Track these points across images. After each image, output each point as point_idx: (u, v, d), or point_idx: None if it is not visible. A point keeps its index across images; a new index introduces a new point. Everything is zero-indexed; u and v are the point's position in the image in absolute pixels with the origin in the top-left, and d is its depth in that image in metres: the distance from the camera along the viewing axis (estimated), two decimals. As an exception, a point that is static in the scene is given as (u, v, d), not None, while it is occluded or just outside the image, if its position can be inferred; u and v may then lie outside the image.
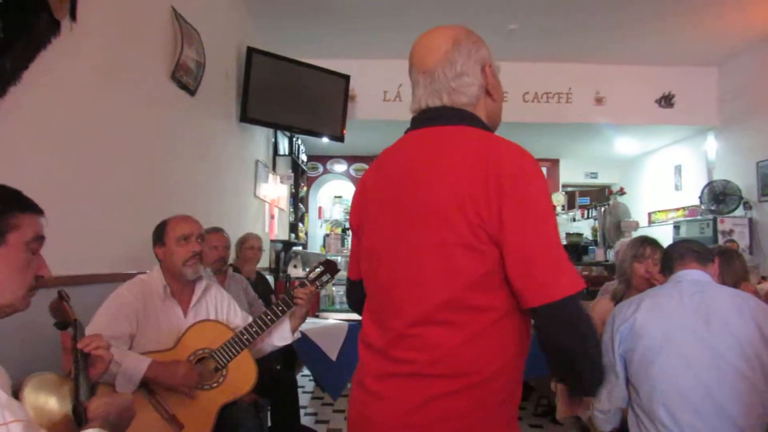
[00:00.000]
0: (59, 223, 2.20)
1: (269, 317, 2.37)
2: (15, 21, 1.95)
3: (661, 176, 8.03)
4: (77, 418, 1.20)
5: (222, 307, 2.50)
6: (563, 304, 1.03)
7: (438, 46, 1.21)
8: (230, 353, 2.26)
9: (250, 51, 4.85)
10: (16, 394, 1.01)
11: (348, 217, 8.86)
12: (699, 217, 6.46)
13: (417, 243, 1.12)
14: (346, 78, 5.64)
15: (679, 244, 2.16)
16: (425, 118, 1.23)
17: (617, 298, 2.81)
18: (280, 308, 2.41)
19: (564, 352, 1.09)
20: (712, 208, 6.15)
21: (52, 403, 1.20)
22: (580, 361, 1.10)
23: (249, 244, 4.01)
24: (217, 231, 3.42)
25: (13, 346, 1.86)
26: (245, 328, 2.32)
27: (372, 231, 1.24)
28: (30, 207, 1.17)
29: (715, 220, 5.99)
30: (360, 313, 1.41)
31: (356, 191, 1.36)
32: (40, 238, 1.18)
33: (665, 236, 6.84)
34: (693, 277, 1.98)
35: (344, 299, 7.06)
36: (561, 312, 1.04)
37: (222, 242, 3.40)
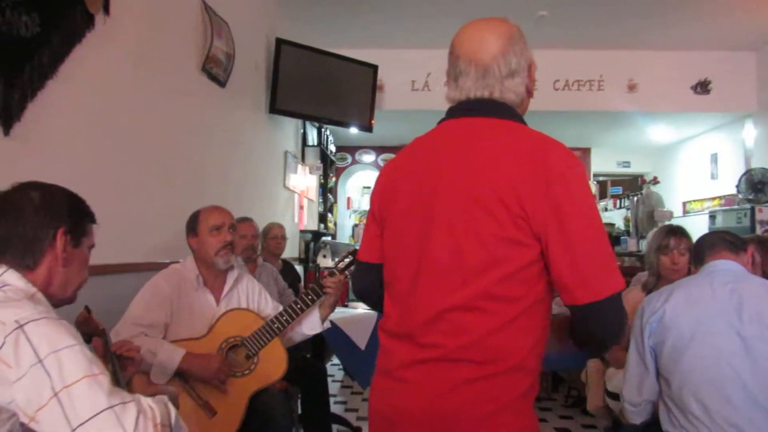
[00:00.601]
0: (95, 213, 2.26)
1: (299, 306, 2.40)
2: (51, 15, 1.99)
3: (696, 165, 7.85)
4: None
5: (253, 296, 2.54)
6: (610, 301, 1.06)
7: (493, 40, 1.20)
8: (261, 341, 2.30)
9: (279, 42, 4.88)
10: None
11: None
12: (736, 207, 6.30)
13: (457, 231, 1.12)
14: (374, 68, 5.63)
15: (710, 234, 2.13)
16: (468, 108, 1.22)
17: (648, 290, 2.77)
18: (309, 297, 2.43)
19: (600, 341, 1.14)
20: (750, 197, 5.99)
21: None
22: (610, 344, 1.17)
23: (272, 234, 4.04)
24: (246, 220, 3.46)
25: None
26: (276, 317, 2.35)
27: (402, 217, 1.24)
28: (94, 218, 1.38)
29: (752, 210, 5.83)
30: (365, 300, 1.46)
31: (381, 177, 1.36)
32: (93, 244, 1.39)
33: (700, 226, 6.69)
34: (725, 267, 1.94)
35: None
36: (606, 309, 1.07)
37: (251, 231, 3.45)
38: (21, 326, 1.04)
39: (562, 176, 1.07)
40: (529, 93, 1.27)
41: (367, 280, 1.39)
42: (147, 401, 1.10)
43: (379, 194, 1.33)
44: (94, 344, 1.50)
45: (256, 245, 3.54)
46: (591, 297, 1.05)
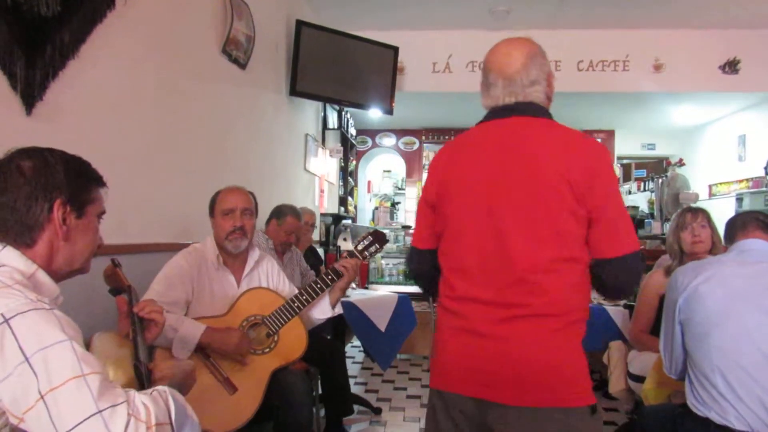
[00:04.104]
0: (117, 194, 2.26)
1: (319, 285, 2.41)
2: (72, -6, 1.99)
3: (723, 147, 7.68)
4: (138, 376, 1.26)
5: (272, 278, 2.55)
6: (633, 256, 1.39)
7: (517, 58, 1.49)
8: (281, 320, 2.31)
9: (299, 24, 4.86)
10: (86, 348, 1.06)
11: (396, 191, 8.85)
12: (764, 189, 6.16)
13: (530, 208, 1.38)
14: (395, 50, 5.58)
15: (742, 214, 2.09)
16: (507, 110, 1.49)
17: (670, 273, 2.74)
18: (329, 277, 2.44)
19: (620, 289, 1.47)
20: (779, 179, 5.85)
21: (116, 358, 1.26)
22: (629, 292, 1.51)
23: (303, 220, 4.07)
24: (295, 216, 3.49)
25: (74, 307, 1.94)
26: (296, 296, 2.36)
27: (467, 204, 1.46)
28: (102, 181, 1.27)
29: (781, 192, 5.70)
30: (420, 281, 1.71)
31: (436, 169, 1.59)
32: (103, 210, 1.29)
33: (727, 209, 6.56)
34: (756, 247, 1.91)
35: (393, 272, 7.12)
36: (630, 263, 1.40)
37: (297, 228, 3.51)
38: (7, 320, 0.97)
39: (598, 160, 1.40)
40: (549, 98, 1.55)
41: (424, 265, 1.62)
42: (142, 399, 1.02)
43: (436, 184, 1.56)
44: (118, 302, 1.44)
45: (295, 241, 3.61)
46: (618, 252, 1.38)
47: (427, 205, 1.58)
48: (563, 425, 1.34)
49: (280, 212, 3.45)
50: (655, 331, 2.72)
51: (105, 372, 1.03)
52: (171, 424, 1.05)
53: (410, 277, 1.71)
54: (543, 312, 1.36)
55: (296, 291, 2.46)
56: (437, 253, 1.57)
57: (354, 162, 8.37)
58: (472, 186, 1.46)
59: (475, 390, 1.42)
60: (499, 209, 1.41)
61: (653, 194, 7.15)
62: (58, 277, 1.20)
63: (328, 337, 3.81)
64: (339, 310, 2.59)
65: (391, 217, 8.01)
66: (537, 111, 1.48)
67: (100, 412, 0.95)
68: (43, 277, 1.15)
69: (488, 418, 1.41)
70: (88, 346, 1.17)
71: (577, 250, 1.39)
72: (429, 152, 9.00)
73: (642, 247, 5.47)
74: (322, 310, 2.52)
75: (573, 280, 1.39)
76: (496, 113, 1.51)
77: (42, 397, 0.94)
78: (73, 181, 1.19)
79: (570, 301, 1.38)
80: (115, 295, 1.49)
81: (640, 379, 2.71)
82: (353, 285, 3.20)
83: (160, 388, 1.11)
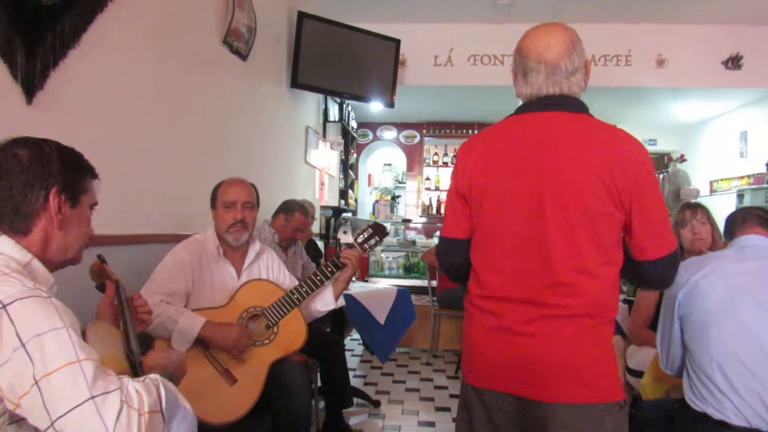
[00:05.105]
0: (117, 185, 2.27)
1: (319, 278, 2.40)
2: (73, -17, 1.98)
3: (724, 143, 7.66)
4: (131, 365, 1.26)
5: (272, 270, 2.55)
6: (675, 255, 1.43)
7: (558, 42, 1.44)
8: (281, 311, 2.31)
9: (301, 15, 4.84)
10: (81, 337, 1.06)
11: (397, 184, 8.84)
12: (765, 185, 6.15)
13: (567, 209, 1.37)
14: (397, 42, 5.56)
15: (742, 209, 2.09)
16: (549, 103, 1.45)
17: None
18: (329, 269, 2.44)
19: (664, 285, 1.52)
20: (780, 176, 5.84)
21: (109, 347, 1.26)
22: (669, 286, 1.54)
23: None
24: (303, 213, 3.49)
25: (67, 299, 1.93)
26: (295, 288, 2.36)
27: (503, 198, 1.45)
28: (95, 173, 1.28)
29: (782, 189, 5.69)
30: (451, 273, 1.68)
31: (466, 161, 1.53)
32: (95, 201, 1.30)
33: (728, 205, 6.55)
34: (756, 242, 1.91)
35: (392, 265, 7.12)
36: (672, 260, 1.43)
37: (305, 225, 3.53)
38: (5, 306, 0.98)
39: (641, 163, 1.38)
40: (582, 90, 1.50)
41: (457, 256, 1.59)
42: (135, 386, 1.03)
43: (468, 176, 1.51)
44: (107, 288, 1.45)
45: (301, 238, 3.64)
46: (663, 252, 1.41)
47: (459, 196, 1.54)
48: (601, 420, 1.37)
49: (288, 208, 3.45)
50: (654, 326, 2.71)
51: (98, 360, 1.03)
52: (162, 412, 1.06)
53: (443, 269, 1.69)
54: (579, 313, 1.38)
55: (297, 283, 2.46)
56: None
57: (355, 155, 8.36)
58: (511, 186, 1.44)
59: (513, 387, 1.44)
60: (540, 211, 1.39)
61: (654, 189, 7.14)
62: (51, 266, 1.20)
63: (328, 330, 3.81)
64: (342, 302, 2.59)
65: (392, 211, 8.01)
66: (578, 106, 1.45)
67: (93, 398, 0.95)
68: (38, 265, 1.16)
69: (526, 414, 1.43)
70: (81, 335, 1.17)
71: (614, 253, 1.40)
72: (429, 146, 8.99)
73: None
74: (325, 302, 2.53)
75: (609, 282, 1.40)
76: (537, 105, 1.47)
77: (36, 382, 0.95)
78: (68, 171, 1.20)
79: (605, 302, 1.40)
80: (101, 291, 1.49)
81: (638, 374, 2.71)
82: (353, 278, 3.20)
83: (152, 376, 1.12)
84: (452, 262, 1.63)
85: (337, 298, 2.55)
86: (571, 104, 1.45)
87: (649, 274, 1.45)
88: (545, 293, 1.39)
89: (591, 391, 1.37)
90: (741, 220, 1.99)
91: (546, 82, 1.44)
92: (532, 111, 1.47)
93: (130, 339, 1.32)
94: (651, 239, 1.39)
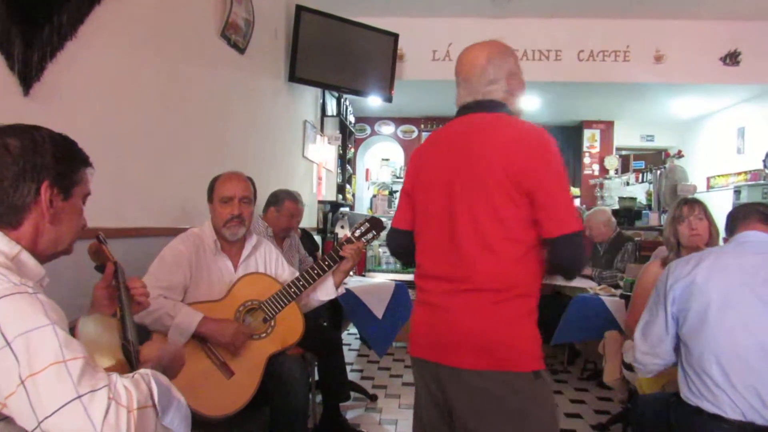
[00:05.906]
0: (114, 177, 2.27)
1: (316, 271, 2.41)
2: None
3: (721, 139, 7.67)
4: (127, 356, 1.24)
5: (270, 263, 2.55)
6: (575, 235, 1.51)
7: (474, 59, 1.66)
8: (278, 305, 2.31)
9: (299, 9, 4.82)
10: (70, 332, 1.04)
11: (395, 179, 8.85)
12: (762, 182, 6.16)
13: (475, 198, 1.53)
14: (395, 37, 5.55)
15: (743, 205, 2.10)
16: (468, 108, 1.66)
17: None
18: (326, 263, 2.44)
19: (566, 267, 1.60)
20: (777, 172, 5.85)
21: (103, 340, 1.24)
22: (573, 273, 1.65)
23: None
24: (292, 199, 3.47)
25: (62, 286, 1.93)
26: (293, 282, 2.36)
27: (427, 192, 1.67)
28: (89, 162, 1.24)
29: (779, 185, 5.70)
30: (401, 258, 1.90)
31: (411, 160, 1.81)
32: (89, 192, 1.27)
33: (725, 201, 6.56)
34: (756, 238, 1.91)
35: (390, 259, 7.13)
36: (571, 240, 1.51)
37: (297, 212, 3.50)
38: None
39: (539, 146, 1.53)
40: (511, 94, 1.67)
41: (402, 243, 1.82)
42: (123, 383, 1.00)
43: (409, 175, 1.79)
44: (106, 269, 1.42)
45: (296, 227, 3.62)
46: (561, 231, 1.49)
47: (404, 193, 1.80)
48: (504, 387, 1.50)
49: (277, 198, 3.44)
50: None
51: (88, 356, 1.01)
52: (154, 406, 1.04)
53: (391, 254, 1.94)
54: (482, 286, 1.52)
55: (297, 274, 2.46)
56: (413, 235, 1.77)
57: (352, 150, 8.35)
58: (433, 179, 1.66)
59: (432, 354, 1.61)
60: (450, 197, 1.59)
61: (651, 186, 7.14)
62: (42, 258, 1.17)
63: (325, 324, 3.82)
64: (342, 290, 2.64)
65: (389, 206, 7.99)
66: (494, 107, 1.63)
67: (79, 397, 0.94)
68: (27, 258, 1.12)
69: (442, 378, 1.59)
70: (73, 329, 1.15)
71: (517, 231, 1.52)
72: (427, 141, 8.96)
73: (639, 238, 5.48)
74: (326, 292, 2.56)
75: (513, 258, 1.52)
76: (460, 111, 1.70)
77: (22, 382, 0.93)
78: (61, 162, 1.16)
79: (510, 277, 1.52)
80: (100, 272, 1.46)
81: (634, 369, 2.72)
82: (351, 272, 3.21)
83: (142, 371, 1.10)
84: (396, 247, 1.87)
85: (337, 288, 2.59)
86: (485, 106, 1.63)
87: (551, 253, 1.55)
88: (454, 269, 1.57)
89: (496, 360, 1.50)
90: (743, 217, 1.99)
91: (465, 92, 1.68)
92: (458, 116, 1.69)
93: (127, 326, 1.29)
94: (551, 219, 1.50)
